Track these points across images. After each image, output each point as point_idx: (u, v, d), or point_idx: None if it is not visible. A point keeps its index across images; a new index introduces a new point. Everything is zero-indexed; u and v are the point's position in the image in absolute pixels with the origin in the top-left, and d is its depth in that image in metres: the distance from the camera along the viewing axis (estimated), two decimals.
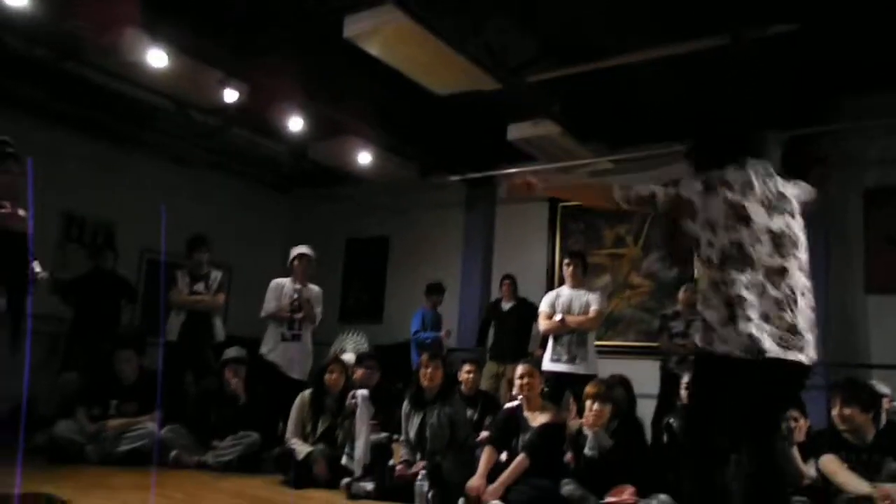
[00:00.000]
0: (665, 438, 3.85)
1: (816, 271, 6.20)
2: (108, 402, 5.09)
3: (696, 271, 2.54)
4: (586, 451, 3.99)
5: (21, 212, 3.76)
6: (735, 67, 5.47)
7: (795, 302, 2.31)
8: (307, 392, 5.07)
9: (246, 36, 5.59)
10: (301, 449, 4.68)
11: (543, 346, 5.43)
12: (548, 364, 5.13)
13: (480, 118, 6.72)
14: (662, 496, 3.56)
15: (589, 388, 4.18)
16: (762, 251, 2.34)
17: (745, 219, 2.38)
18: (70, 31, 5.24)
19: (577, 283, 5.38)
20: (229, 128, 7.56)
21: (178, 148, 7.90)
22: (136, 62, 5.40)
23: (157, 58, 5.33)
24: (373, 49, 5.11)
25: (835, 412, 3.56)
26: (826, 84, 5.94)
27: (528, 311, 6.45)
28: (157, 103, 6.68)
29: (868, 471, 3.43)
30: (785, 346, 2.25)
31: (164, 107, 6.79)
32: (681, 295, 5.96)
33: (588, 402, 4.10)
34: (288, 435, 4.88)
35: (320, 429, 4.89)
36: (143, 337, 6.22)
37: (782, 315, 2.28)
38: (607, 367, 5.20)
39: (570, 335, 5.16)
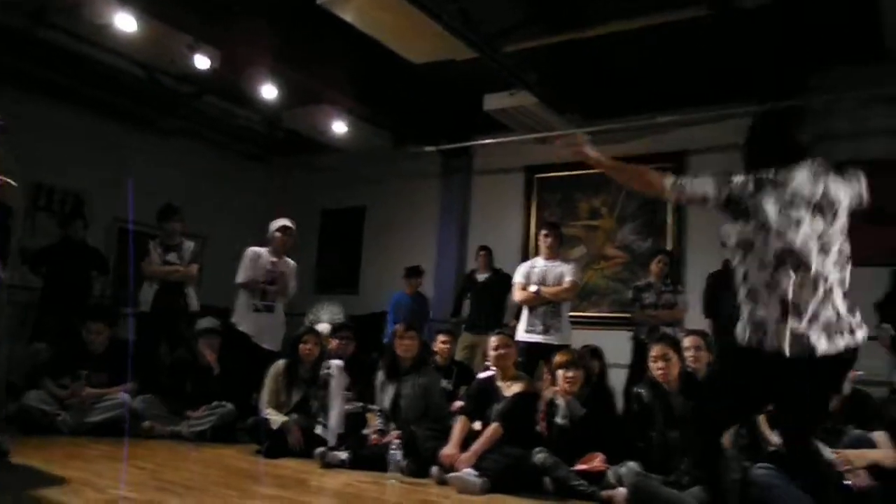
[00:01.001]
0: (635, 407, 3.90)
1: None
2: (78, 373, 5.04)
3: (741, 270, 2.47)
4: (558, 419, 4.04)
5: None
6: (711, 39, 5.48)
7: (831, 293, 2.42)
8: (281, 362, 5.06)
9: (218, 1, 5.46)
10: (275, 419, 4.69)
11: (518, 317, 5.46)
12: (522, 335, 5.16)
13: (456, 88, 6.67)
14: (632, 463, 3.62)
15: (560, 357, 4.22)
16: (811, 254, 2.38)
17: (796, 222, 2.39)
18: None
19: (553, 255, 5.40)
20: (201, 95, 7.43)
21: (149, 115, 7.75)
22: (104, 25, 5.26)
23: (125, 21, 5.20)
24: (347, 15, 5.03)
25: None
26: (795, 57, 5.97)
27: (503, 281, 6.48)
28: (127, 69, 6.54)
29: (831, 437, 3.52)
30: (830, 336, 2.36)
31: (133, 72, 6.64)
32: (653, 266, 6.01)
33: (560, 371, 4.15)
34: (262, 405, 4.88)
35: (294, 399, 4.90)
36: (115, 308, 6.14)
37: (826, 310, 2.39)
38: (581, 338, 5.24)
39: (545, 306, 5.19)
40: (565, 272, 5.24)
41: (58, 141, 7.09)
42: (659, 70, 6.29)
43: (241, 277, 5.73)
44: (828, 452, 3.38)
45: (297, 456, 4.44)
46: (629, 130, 6.94)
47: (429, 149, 7.98)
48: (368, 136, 7.89)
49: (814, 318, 2.35)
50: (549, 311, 5.19)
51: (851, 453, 3.33)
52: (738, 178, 2.50)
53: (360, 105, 7.35)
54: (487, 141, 7.75)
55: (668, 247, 6.85)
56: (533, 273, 5.31)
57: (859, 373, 4.38)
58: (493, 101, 6.62)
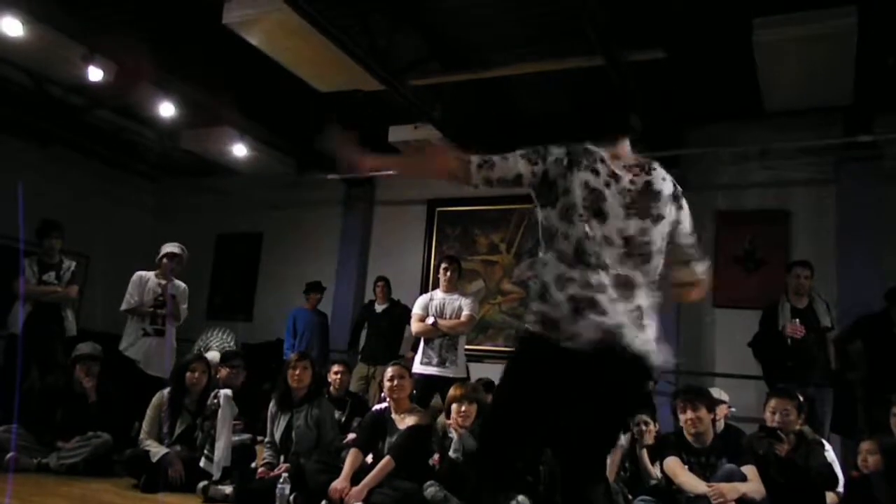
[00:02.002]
0: None
1: (670, 286, 6.67)
2: None
3: (540, 263, 2.06)
4: (451, 453, 4.04)
5: None
6: (606, 87, 5.76)
7: (642, 318, 1.99)
8: (166, 391, 4.82)
9: (115, 12, 5.27)
10: (156, 450, 4.44)
11: (415, 349, 5.46)
12: (418, 367, 5.16)
13: (362, 118, 6.69)
14: (521, 497, 3.67)
15: (455, 390, 4.24)
16: (612, 255, 1.98)
17: (600, 213, 2.00)
18: None
19: (451, 288, 5.45)
20: (92, 108, 7.09)
21: (32, 125, 7.31)
22: None
23: (11, 26, 4.92)
24: (253, 39, 4.96)
25: (686, 416, 3.80)
26: (683, 112, 6.39)
27: (400, 313, 6.47)
28: (12, 76, 6.15)
29: (705, 471, 3.70)
30: (636, 338, 1.95)
31: (19, 80, 6.26)
32: None
33: (454, 405, 4.16)
34: (142, 436, 4.62)
35: (178, 429, 4.66)
36: None
37: (629, 314, 1.97)
38: (477, 372, 5.31)
39: (442, 339, 5.22)
40: (463, 306, 5.30)
41: None
42: (556, 113, 6.52)
43: (126, 304, 5.48)
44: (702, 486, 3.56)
45: (178, 490, 4.22)
46: None
47: (332, 177, 7.92)
48: (270, 161, 7.75)
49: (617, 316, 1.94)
50: (446, 343, 5.22)
51: (724, 486, 3.51)
52: (556, 151, 2.12)
53: (262, 129, 7.23)
54: (388, 172, 7.78)
55: None
56: (431, 305, 5.34)
57: (732, 409, 4.68)
58: (398, 133, 6.68)
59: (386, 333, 6.69)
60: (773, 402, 4.01)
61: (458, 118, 6.59)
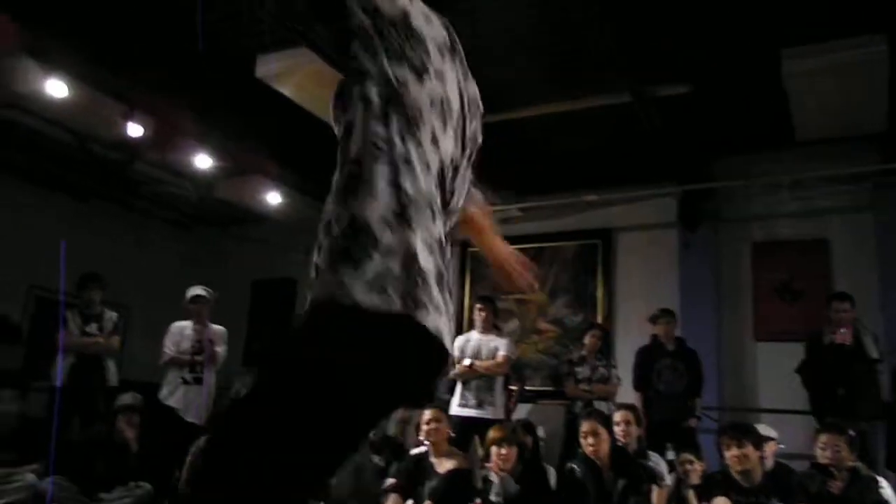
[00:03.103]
0: (568, 483, 3.90)
1: (709, 321, 6.56)
2: None
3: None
4: (492, 496, 3.98)
5: None
6: (633, 123, 5.79)
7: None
8: (203, 437, 4.84)
9: (152, 69, 5.45)
10: None
11: (452, 391, 5.42)
12: (455, 409, 5.12)
13: None
14: None
15: (494, 433, 4.20)
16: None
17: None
18: None
19: (487, 329, 5.43)
20: (132, 162, 7.30)
21: (73, 180, 7.54)
22: (33, 92, 5.16)
23: (56, 88, 5.12)
24: (285, 90, 5.09)
25: (731, 453, 3.70)
26: (713, 144, 6.37)
27: None
28: (56, 135, 6.38)
29: None
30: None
31: (62, 139, 6.48)
32: (587, 340, 6.10)
33: (494, 447, 4.11)
34: (181, 485, 4.63)
35: None
36: (25, 381, 5.79)
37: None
38: (515, 412, 5.24)
39: (479, 380, 5.19)
40: (499, 346, 5.27)
41: None
42: (585, 151, 6.58)
43: (164, 356, 5.55)
44: None
45: None
46: (559, 207, 7.18)
47: None
48: (304, 208, 7.87)
49: None
50: (483, 384, 5.19)
51: None
52: None
53: (295, 176, 7.35)
54: None
55: (599, 320, 7.00)
56: (468, 347, 5.32)
57: (780, 446, 4.54)
58: None
59: None
60: (823, 438, 3.88)
61: (487, 159, 6.62)
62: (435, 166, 1.27)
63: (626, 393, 5.87)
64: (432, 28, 1.31)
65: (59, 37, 4.90)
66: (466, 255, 8.03)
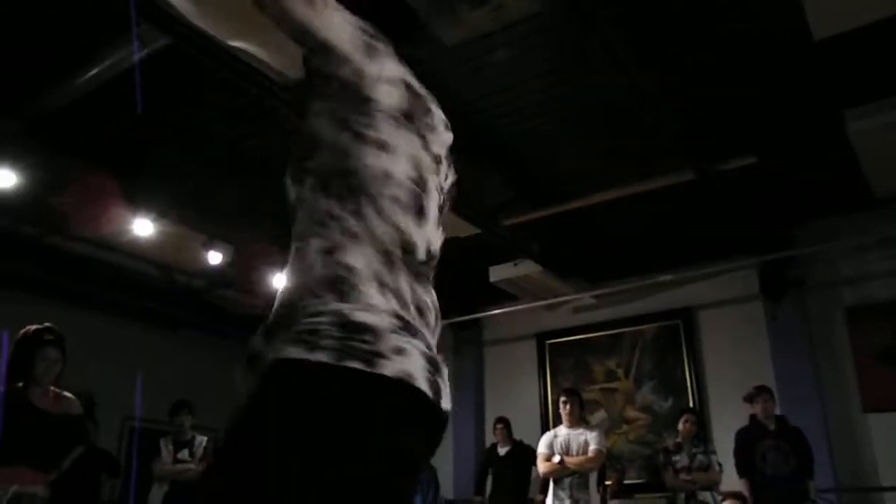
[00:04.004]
0: None
1: (810, 395, 6.19)
2: None
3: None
4: None
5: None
6: (701, 199, 5.72)
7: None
8: None
9: (227, 199, 5.78)
10: None
11: (545, 491, 5.22)
12: None
13: (461, 262, 6.85)
14: None
15: None
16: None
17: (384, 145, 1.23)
18: (55, 207, 5.41)
19: (574, 422, 5.26)
20: (214, 289, 7.62)
21: (160, 311, 7.90)
22: (121, 232, 5.53)
23: (142, 227, 5.46)
24: None
25: None
26: (788, 211, 6.20)
27: (525, 454, 6.26)
28: (143, 269, 6.76)
29: None
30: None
31: (149, 272, 6.86)
32: (681, 426, 5.81)
33: None
34: None
35: None
36: None
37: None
38: None
39: (572, 477, 4.99)
40: (590, 440, 5.08)
41: (70, 344, 7.14)
42: (654, 232, 6.51)
43: None
44: None
45: None
46: (634, 291, 7.06)
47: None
48: None
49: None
50: (577, 482, 4.98)
51: None
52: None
53: None
54: (496, 311, 7.83)
55: (690, 404, 6.70)
56: (556, 442, 5.15)
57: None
58: (499, 273, 6.78)
59: (512, 477, 6.45)
60: None
61: (555, 250, 6.65)
62: (389, 236, 1.21)
63: (729, 480, 5.52)
64: (392, 95, 1.23)
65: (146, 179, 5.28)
66: (545, 348, 7.91)
